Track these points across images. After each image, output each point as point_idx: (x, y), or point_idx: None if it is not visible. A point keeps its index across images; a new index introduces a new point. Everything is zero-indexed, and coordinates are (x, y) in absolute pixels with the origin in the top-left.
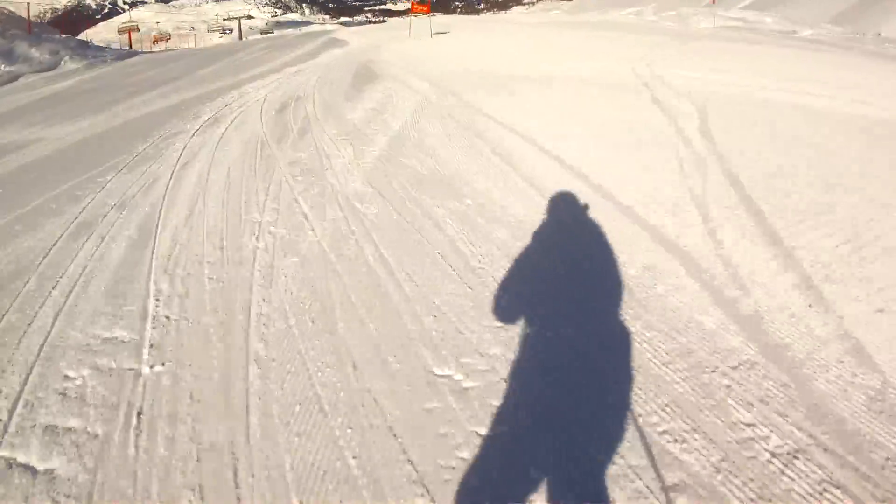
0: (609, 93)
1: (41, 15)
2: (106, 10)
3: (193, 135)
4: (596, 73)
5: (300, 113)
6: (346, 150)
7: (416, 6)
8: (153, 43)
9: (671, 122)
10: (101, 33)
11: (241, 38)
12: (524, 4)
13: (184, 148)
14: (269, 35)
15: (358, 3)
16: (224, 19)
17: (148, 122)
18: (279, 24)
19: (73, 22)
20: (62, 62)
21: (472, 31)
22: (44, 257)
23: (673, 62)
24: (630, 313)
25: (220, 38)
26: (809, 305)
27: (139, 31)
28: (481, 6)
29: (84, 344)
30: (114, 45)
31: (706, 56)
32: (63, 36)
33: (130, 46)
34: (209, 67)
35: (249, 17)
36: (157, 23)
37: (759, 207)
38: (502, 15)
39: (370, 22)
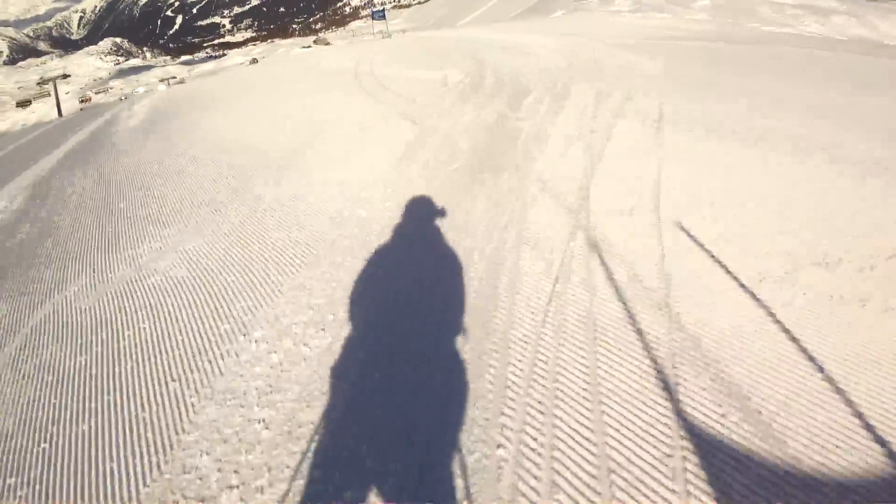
0: None
1: None
2: None
3: None
4: None
5: None
6: None
7: None
8: None
9: None
10: None
11: (59, 112)
12: (362, 18)
13: None
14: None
15: (196, 41)
16: (38, 82)
17: None
18: (122, 72)
19: None
20: None
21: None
22: None
23: None
24: None
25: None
26: None
27: None
28: (319, 26)
29: None
30: None
31: None
32: None
33: None
34: None
35: (65, 76)
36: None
37: None
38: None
39: (211, 57)
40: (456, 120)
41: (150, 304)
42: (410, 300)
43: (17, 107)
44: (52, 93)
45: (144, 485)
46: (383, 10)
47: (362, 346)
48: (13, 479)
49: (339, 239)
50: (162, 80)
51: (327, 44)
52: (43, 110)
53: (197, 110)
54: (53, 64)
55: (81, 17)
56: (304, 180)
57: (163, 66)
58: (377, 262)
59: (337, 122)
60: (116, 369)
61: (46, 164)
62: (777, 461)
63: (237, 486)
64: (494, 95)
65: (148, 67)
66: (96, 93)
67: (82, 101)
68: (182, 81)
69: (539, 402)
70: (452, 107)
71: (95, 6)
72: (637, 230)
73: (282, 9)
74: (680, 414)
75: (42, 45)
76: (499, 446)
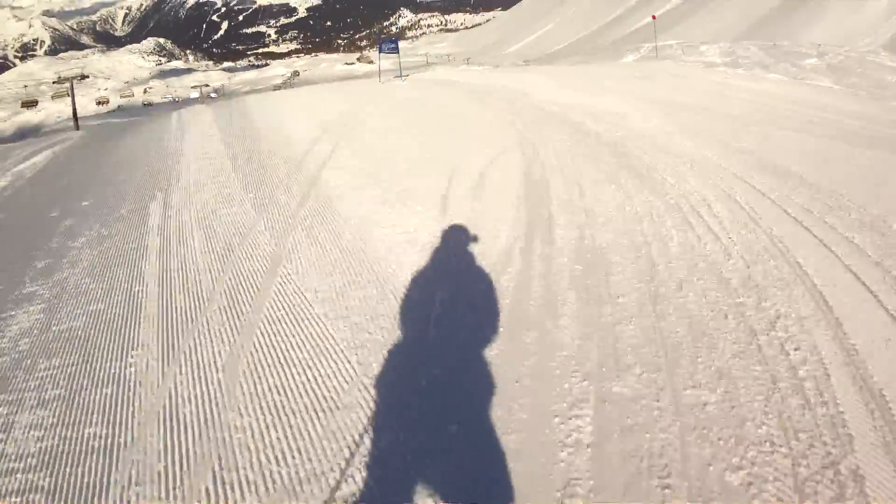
0: None
1: None
2: None
3: None
4: None
5: None
6: None
7: None
8: None
9: None
10: None
11: (76, 121)
12: (407, 39)
13: None
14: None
15: (241, 48)
16: (55, 81)
17: None
18: (163, 73)
19: None
20: None
21: None
22: None
23: None
24: None
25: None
26: None
27: None
28: (364, 43)
29: None
30: None
31: None
32: None
33: None
34: None
35: (83, 77)
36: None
37: None
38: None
39: (254, 66)
40: None
41: None
42: None
43: (21, 107)
44: (70, 95)
45: None
46: (395, 42)
47: None
48: None
49: None
50: (194, 87)
51: (370, 62)
52: (80, 103)
53: None
54: (95, 58)
55: (126, 14)
56: None
57: (204, 70)
58: None
59: None
60: None
61: None
62: None
63: None
64: None
65: (189, 71)
66: (122, 96)
67: (99, 104)
68: (217, 91)
69: None
70: None
71: (141, 4)
72: None
73: (328, 23)
74: None
75: (85, 39)
76: None
